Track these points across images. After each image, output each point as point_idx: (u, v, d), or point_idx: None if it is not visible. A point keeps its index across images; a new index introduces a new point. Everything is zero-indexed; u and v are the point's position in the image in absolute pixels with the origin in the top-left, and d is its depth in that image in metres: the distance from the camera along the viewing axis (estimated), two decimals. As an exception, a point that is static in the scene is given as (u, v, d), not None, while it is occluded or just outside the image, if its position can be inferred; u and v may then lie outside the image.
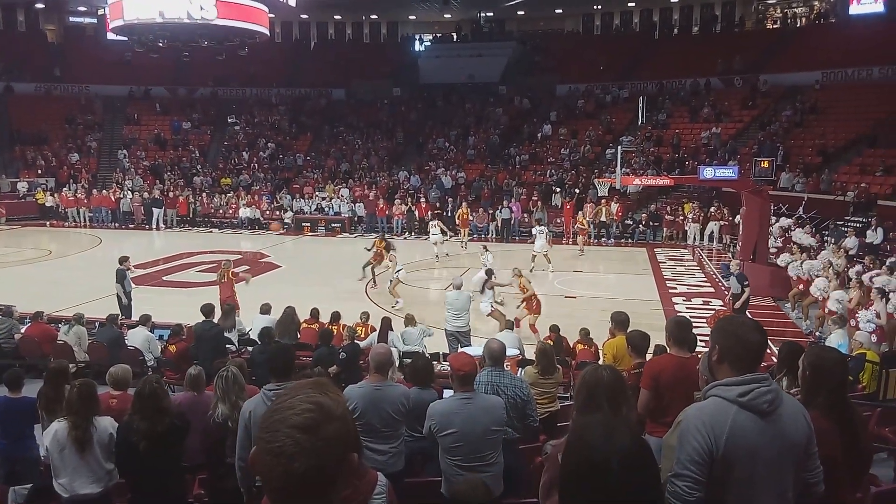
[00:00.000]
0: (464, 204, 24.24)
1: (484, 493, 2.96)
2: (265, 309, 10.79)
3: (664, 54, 33.82)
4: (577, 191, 25.44)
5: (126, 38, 26.29)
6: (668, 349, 4.97)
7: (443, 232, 20.63)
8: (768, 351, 11.17)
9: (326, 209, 26.96)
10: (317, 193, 27.93)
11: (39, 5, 37.09)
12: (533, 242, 18.40)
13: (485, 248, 16.66)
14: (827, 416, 2.94)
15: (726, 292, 15.82)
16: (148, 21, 21.58)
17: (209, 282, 14.83)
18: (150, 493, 4.49)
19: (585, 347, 10.12)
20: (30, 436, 5.80)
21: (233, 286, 13.01)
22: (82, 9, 38.18)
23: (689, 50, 33.46)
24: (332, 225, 25.99)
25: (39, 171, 30.14)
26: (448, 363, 5.13)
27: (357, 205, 26.78)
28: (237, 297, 12.60)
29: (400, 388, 5.06)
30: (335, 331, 10.11)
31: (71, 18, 39.39)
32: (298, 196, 28.07)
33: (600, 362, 7.99)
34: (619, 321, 6.84)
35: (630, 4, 36.85)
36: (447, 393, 7.12)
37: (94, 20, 37.59)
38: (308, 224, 26.14)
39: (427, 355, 8.13)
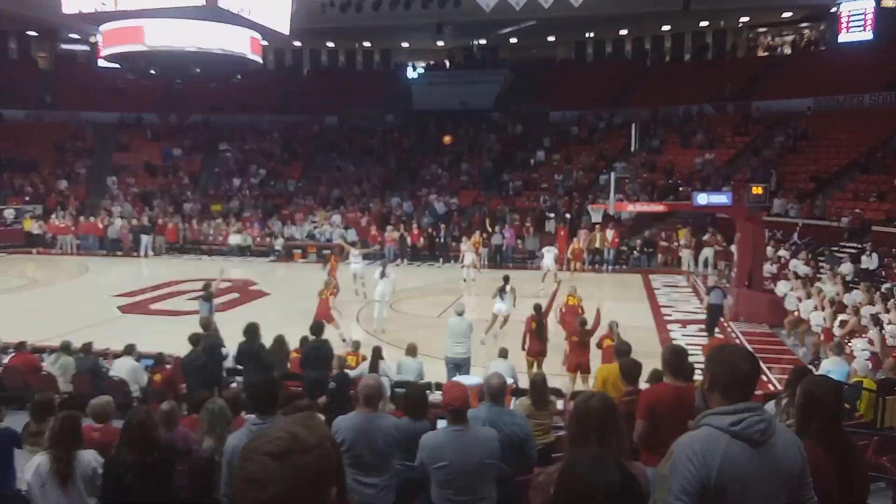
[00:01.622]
0: (477, 232, 23.71)
1: None
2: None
3: (656, 81, 34.09)
4: (568, 216, 25.35)
5: (118, 66, 26.30)
6: (663, 378, 4.87)
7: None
8: (764, 378, 11.05)
9: (318, 236, 26.75)
10: (312, 220, 27.71)
11: (31, 33, 37.17)
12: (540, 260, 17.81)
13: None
14: (820, 446, 2.92)
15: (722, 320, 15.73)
16: (141, 49, 21.54)
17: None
18: None
19: (613, 343, 9.67)
20: (9, 469, 5.56)
21: (329, 304, 13.46)
22: (74, 36, 38.25)
23: (681, 77, 33.75)
24: (324, 252, 25.74)
25: (27, 198, 29.88)
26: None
27: (349, 231, 26.60)
28: (333, 313, 13.28)
29: (390, 419, 4.93)
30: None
31: (63, 46, 39.43)
32: (290, 223, 27.88)
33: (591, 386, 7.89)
34: (622, 350, 6.84)
35: (622, 32, 37.21)
36: (440, 423, 6.91)
37: (87, 48, 37.65)
38: (299, 251, 25.91)
39: (421, 384, 7.92)
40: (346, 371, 9.00)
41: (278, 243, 26.28)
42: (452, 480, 4.09)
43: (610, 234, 23.58)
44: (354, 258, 18.08)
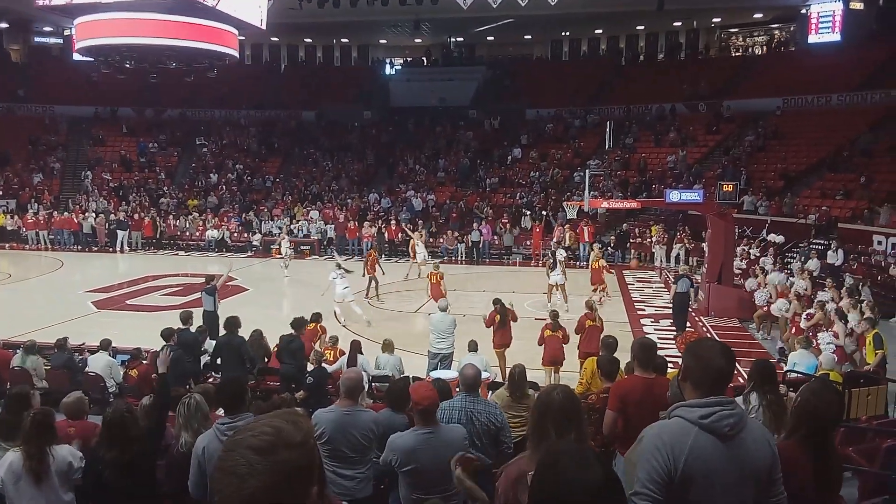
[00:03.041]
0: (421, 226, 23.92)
1: None
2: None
3: (631, 80, 34.49)
4: (544, 213, 25.62)
5: (92, 59, 26.00)
6: (634, 370, 5.00)
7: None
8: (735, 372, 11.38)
9: (296, 231, 26.74)
10: (290, 216, 27.71)
11: (3, 25, 36.52)
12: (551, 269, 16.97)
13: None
14: (803, 447, 2.97)
15: (694, 314, 16.08)
16: (116, 42, 21.37)
17: (184, 304, 14.55)
18: None
19: (594, 323, 10.64)
20: None
21: (440, 285, 14.94)
22: (48, 29, 37.70)
23: (655, 76, 34.17)
24: (302, 247, 25.76)
25: (0, 193, 29.45)
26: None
27: (327, 226, 26.63)
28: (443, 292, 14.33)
29: (370, 413, 5.01)
30: (316, 329, 10.73)
31: (36, 38, 38.84)
32: (267, 218, 27.83)
33: (579, 377, 8.06)
34: (608, 344, 6.99)
35: (597, 31, 37.57)
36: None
37: (60, 41, 37.13)
38: (276, 246, 25.85)
39: (403, 378, 8.04)
40: (324, 366, 9.13)
41: (255, 238, 26.23)
42: (423, 481, 4.13)
43: (587, 230, 23.84)
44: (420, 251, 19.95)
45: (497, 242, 25.37)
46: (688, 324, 14.61)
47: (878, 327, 10.45)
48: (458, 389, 5.29)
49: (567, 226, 23.76)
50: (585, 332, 10.75)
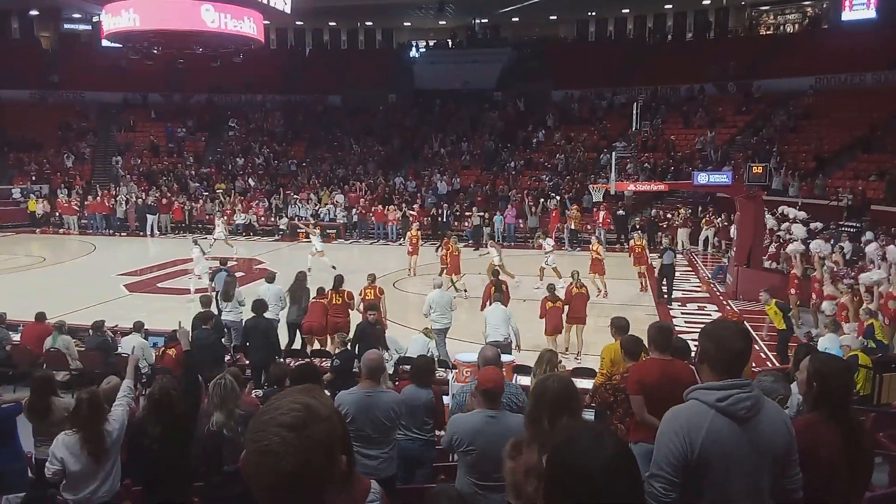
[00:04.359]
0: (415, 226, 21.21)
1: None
2: (271, 278, 11.66)
3: (658, 60, 33.96)
4: (557, 198, 25.42)
5: (120, 46, 26.28)
6: (650, 353, 5.00)
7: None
8: (762, 356, 11.28)
9: (322, 215, 26.93)
10: (316, 199, 27.90)
11: (34, 12, 37.07)
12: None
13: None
14: (830, 424, 2.93)
15: (721, 297, 15.93)
16: (143, 28, 21.57)
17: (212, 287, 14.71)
18: (159, 494, 4.56)
19: (554, 305, 11.25)
20: (12, 445, 5.77)
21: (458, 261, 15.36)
22: (77, 16, 38.16)
23: (683, 56, 33.63)
24: (328, 231, 25.94)
25: (33, 178, 30.05)
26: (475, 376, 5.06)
27: (352, 210, 26.76)
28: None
29: (391, 394, 5.09)
30: (338, 299, 11.07)
31: (65, 25, 39.36)
32: (294, 202, 28.04)
33: (597, 366, 8.03)
34: (620, 326, 6.93)
35: (624, 11, 37.01)
36: (446, 399, 7.14)
37: (89, 27, 37.56)
38: (303, 230, 26.09)
39: (430, 357, 8.13)
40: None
41: (282, 223, 26.46)
42: (481, 466, 4.06)
43: (601, 215, 23.70)
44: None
45: (522, 226, 25.29)
46: (716, 309, 14.48)
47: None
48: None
49: (574, 209, 23.80)
50: (573, 299, 11.59)
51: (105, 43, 28.99)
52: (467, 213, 25.49)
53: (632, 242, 17.88)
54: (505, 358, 7.90)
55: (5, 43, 36.35)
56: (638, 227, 23.70)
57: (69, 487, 4.50)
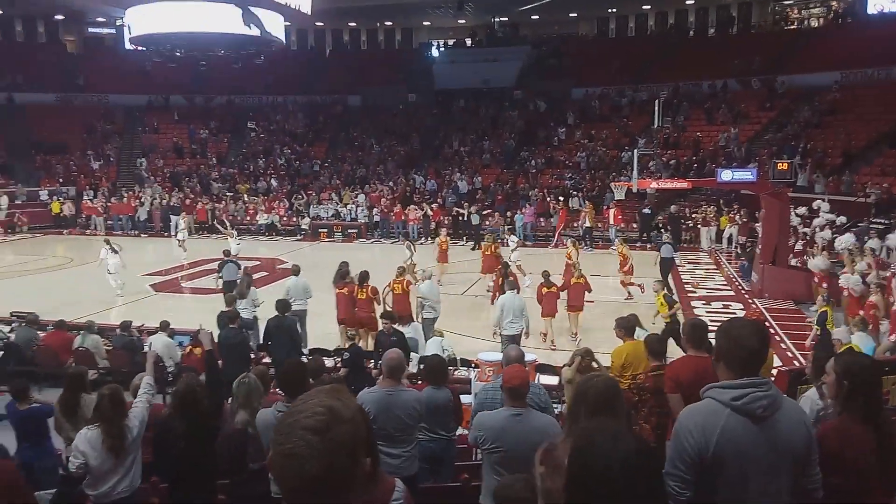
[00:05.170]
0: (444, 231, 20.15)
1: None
2: (297, 270, 12.00)
3: (680, 56, 33.65)
4: (561, 198, 25.31)
5: (144, 49, 26.65)
6: (686, 351, 4.97)
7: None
8: (790, 354, 11.13)
9: (343, 215, 27.06)
10: (338, 199, 28.06)
11: (59, 17, 37.67)
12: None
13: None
14: (862, 422, 2.88)
15: (747, 296, 15.75)
16: (166, 31, 21.85)
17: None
18: (184, 492, 4.60)
19: (549, 290, 11.90)
20: (44, 443, 5.88)
21: (497, 259, 15.25)
22: (101, 20, 38.71)
23: (705, 52, 33.28)
24: (349, 231, 26.08)
25: (60, 180, 30.53)
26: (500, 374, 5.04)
27: (373, 210, 26.85)
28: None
29: (412, 392, 5.10)
30: (363, 294, 11.22)
31: (90, 29, 39.95)
32: (315, 202, 28.20)
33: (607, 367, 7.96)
34: (627, 327, 6.83)
35: (645, 7, 36.72)
36: (465, 398, 7.14)
37: (113, 31, 38.12)
38: (325, 230, 26.26)
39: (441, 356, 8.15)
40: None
41: (304, 222, 26.62)
42: (507, 465, 4.01)
43: (612, 213, 23.54)
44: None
45: (543, 224, 25.20)
46: (741, 307, 14.33)
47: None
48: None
49: (588, 206, 23.71)
50: (570, 288, 12.32)
51: (128, 46, 29.46)
52: (485, 213, 25.44)
53: (616, 249, 16.72)
54: (527, 357, 7.89)
55: (32, 47, 36.95)
56: (660, 225, 23.57)
57: (89, 482, 4.56)
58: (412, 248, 17.24)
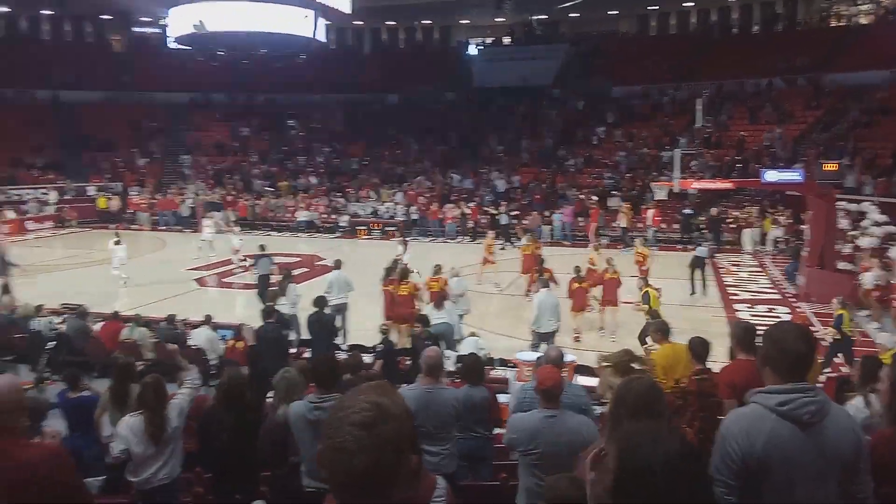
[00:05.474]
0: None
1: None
2: (338, 264, 12.28)
3: (723, 54, 33.04)
4: (595, 198, 25.09)
5: (188, 48, 27.16)
6: (736, 355, 4.88)
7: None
8: (836, 360, 10.85)
9: (381, 213, 27.23)
10: (375, 197, 28.25)
11: (106, 17, 38.64)
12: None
13: None
14: None
15: (792, 299, 15.41)
16: (209, 31, 22.22)
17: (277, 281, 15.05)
18: (228, 483, 4.71)
19: (580, 286, 12.22)
20: (91, 432, 6.03)
21: (535, 256, 15.33)
22: (146, 19, 39.61)
23: (749, 50, 32.59)
24: (387, 228, 26.23)
25: (107, 177, 31.33)
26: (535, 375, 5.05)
27: (411, 208, 26.95)
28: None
29: (451, 390, 5.13)
30: (404, 290, 11.50)
31: (135, 29, 40.89)
32: (354, 200, 28.44)
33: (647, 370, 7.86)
34: (663, 330, 6.76)
35: (687, 4, 36.19)
36: (502, 398, 7.14)
37: (158, 30, 38.94)
38: (363, 227, 26.45)
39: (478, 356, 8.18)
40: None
41: (343, 220, 26.86)
42: (543, 466, 4.00)
43: (651, 213, 23.21)
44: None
45: (581, 224, 24.98)
46: (787, 311, 14.03)
47: None
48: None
49: (626, 206, 23.47)
50: (605, 283, 12.57)
51: (172, 45, 30.06)
52: (514, 213, 25.34)
53: (636, 250, 16.43)
54: (567, 357, 7.85)
55: (80, 47, 38.02)
56: (702, 227, 23.19)
57: (131, 469, 4.68)
58: (405, 244, 17.10)
